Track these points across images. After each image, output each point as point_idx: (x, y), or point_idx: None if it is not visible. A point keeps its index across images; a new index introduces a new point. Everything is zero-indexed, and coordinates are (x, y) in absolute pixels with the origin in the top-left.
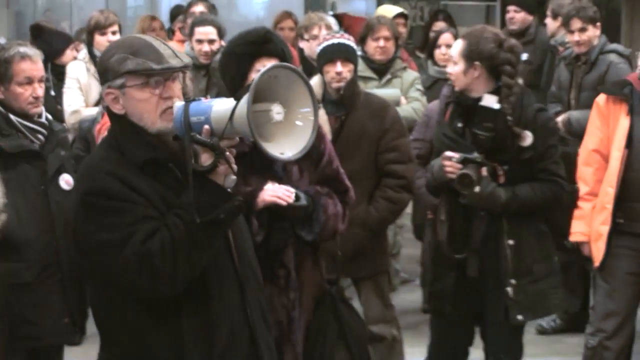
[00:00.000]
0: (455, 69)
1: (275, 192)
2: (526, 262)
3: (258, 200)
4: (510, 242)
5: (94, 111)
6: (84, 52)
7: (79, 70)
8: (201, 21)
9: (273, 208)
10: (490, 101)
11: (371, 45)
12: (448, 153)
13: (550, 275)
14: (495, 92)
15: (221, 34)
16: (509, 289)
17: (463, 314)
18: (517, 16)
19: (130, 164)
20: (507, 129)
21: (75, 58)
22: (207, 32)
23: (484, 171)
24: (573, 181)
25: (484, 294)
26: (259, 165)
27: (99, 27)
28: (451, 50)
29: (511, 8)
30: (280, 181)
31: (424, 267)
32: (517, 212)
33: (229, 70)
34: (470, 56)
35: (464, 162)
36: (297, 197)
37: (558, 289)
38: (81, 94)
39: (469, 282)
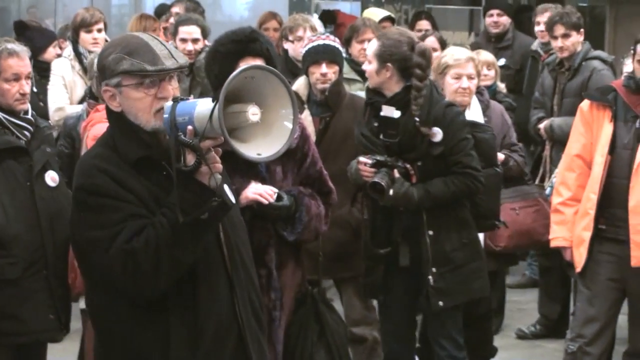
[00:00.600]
0: (369, 67)
1: (258, 190)
2: (445, 251)
3: (241, 198)
4: (430, 232)
5: (78, 108)
6: (69, 50)
7: (63, 68)
8: (185, 20)
9: (255, 207)
10: (389, 111)
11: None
12: (361, 158)
13: (471, 262)
14: (404, 90)
15: (205, 33)
16: (430, 277)
17: (398, 302)
18: (501, 20)
19: (123, 161)
20: (414, 129)
21: (58, 55)
22: (190, 31)
23: (396, 173)
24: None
25: (413, 283)
26: (242, 165)
27: (85, 25)
28: (367, 49)
29: (494, 12)
30: (264, 181)
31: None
32: (433, 206)
33: (213, 69)
34: (383, 57)
35: (376, 165)
36: (280, 197)
37: (481, 272)
38: (66, 92)
39: (399, 272)
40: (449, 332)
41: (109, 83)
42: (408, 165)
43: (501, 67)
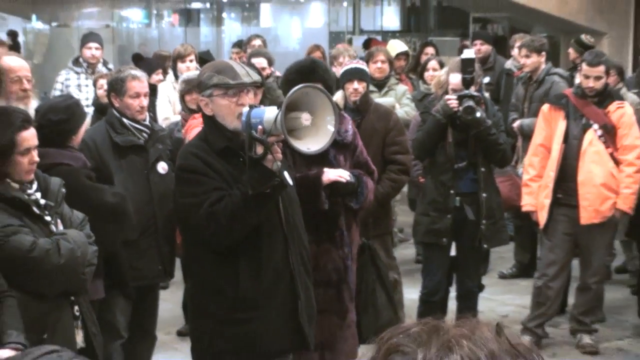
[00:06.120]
0: None
1: (338, 173)
2: (492, 208)
3: (324, 179)
4: (484, 195)
5: (178, 118)
6: (171, 75)
7: (168, 89)
8: (256, 54)
9: (333, 184)
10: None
11: (371, 67)
12: (448, 95)
13: (501, 219)
14: None
15: (270, 62)
16: (482, 227)
17: (449, 245)
18: (483, 48)
19: (212, 150)
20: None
21: (160, 80)
22: (260, 62)
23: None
24: None
25: (463, 230)
26: (317, 158)
27: (180, 57)
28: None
29: (478, 42)
30: (332, 166)
31: (418, 218)
32: (487, 137)
33: (285, 90)
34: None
35: (460, 98)
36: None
37: (505, 227)
38: (170, 106)
39: (457, 222)
40: (478, 270)
41: (204, 94)
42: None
43: (486, 84)
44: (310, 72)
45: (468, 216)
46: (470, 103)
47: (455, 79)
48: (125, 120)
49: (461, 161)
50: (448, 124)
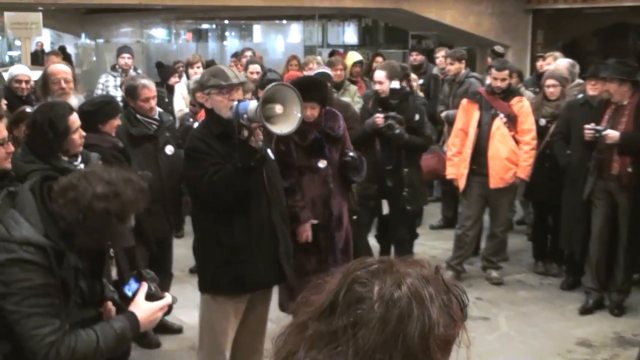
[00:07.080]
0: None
1: (306, 232)
2: (412, 180)
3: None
4: (405, 170)
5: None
6: (184, 78)
7: (182, 88)
8: (252, 61)
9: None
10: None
11: (331, 73)
12: (376, 115)
13: (422, 185)
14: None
15: (263, 70)
16: (405, 193)
17: (379, 207)
18: (418, 57)
19: (212, 134)
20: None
21: (176, 82)
22: (255, 68)
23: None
24: None
25: (390, 195)
26: (316, 151)
27: (190, 64)
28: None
29: (414, 53)
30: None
31: (355, 186)
32: (411, 147)
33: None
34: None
35: (385, 117)
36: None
37: (425, 193)
38: (183, 101)
39: (383, 190)
40: (407, 224)
41: (204, 93)
42: (401, 118)
43: (421, 85)
44: (303, 87)
45: (388, 183)
46: (391, 122)
47: (380, 74)
48: (138, 116)
49: (389, 161)
50: (375, 134)
